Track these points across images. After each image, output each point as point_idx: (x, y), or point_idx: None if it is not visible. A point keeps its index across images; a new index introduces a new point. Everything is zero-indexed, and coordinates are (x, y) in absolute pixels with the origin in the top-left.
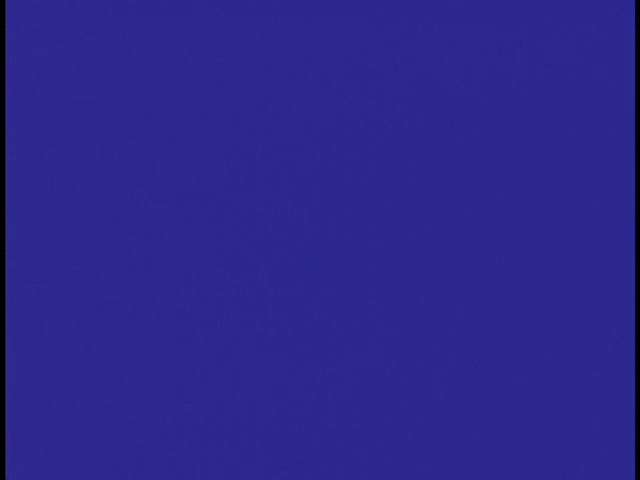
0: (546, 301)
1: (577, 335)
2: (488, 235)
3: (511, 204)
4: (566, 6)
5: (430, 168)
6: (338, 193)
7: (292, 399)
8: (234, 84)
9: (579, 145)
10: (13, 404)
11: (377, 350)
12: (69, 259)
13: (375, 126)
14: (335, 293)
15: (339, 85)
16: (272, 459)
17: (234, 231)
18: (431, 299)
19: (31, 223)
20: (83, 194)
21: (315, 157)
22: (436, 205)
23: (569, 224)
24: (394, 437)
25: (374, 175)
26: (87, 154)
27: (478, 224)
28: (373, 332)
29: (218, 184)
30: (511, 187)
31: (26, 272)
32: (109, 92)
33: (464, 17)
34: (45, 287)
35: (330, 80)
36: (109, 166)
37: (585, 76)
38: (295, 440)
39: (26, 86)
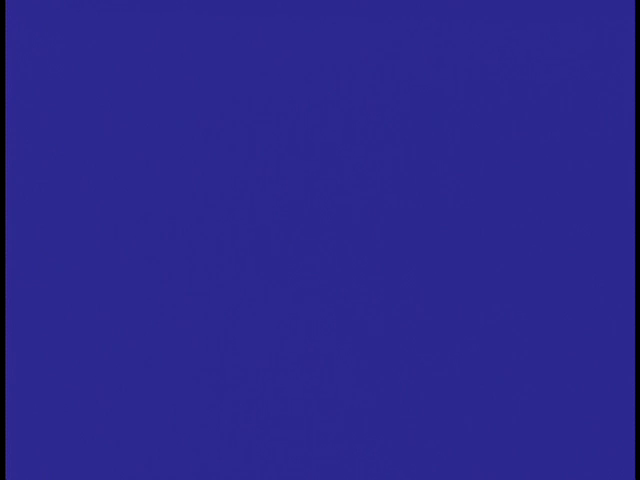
0: (546, 301)
1: (577, 335)
2: (488, 235)
3: (511, 204)
4: (566, 6)
5: (430, 168)
6: (338, 193)
7: (292, 399)
8: (234, 84)
9: (579, 145)
10: (13, 404)
11: (377, 350)
12: (69, 259)
13: (375, 126)
14: (335, 293)
15: (339, 85)
16: (272, 459)
17: (234, 231)
18: (431, 299)
19: (31, 223)
20: (83, 194)
21: (315, 157)
22: (436, 205)
23: (569, 224)
24: (394, 437)
25: (374, 175)
26: (87, 154)
27: (478, 224)
28: (373, 332)
29: (218, 184)
30: (511, 187)
31: (26, 272)
32: (109, 92)
33: (464, 17)
34: (45, 287)
35: (330, 80)
36: (109, 166)
37: (585, 76)
38: (295, 440)
39: (26, 86)
